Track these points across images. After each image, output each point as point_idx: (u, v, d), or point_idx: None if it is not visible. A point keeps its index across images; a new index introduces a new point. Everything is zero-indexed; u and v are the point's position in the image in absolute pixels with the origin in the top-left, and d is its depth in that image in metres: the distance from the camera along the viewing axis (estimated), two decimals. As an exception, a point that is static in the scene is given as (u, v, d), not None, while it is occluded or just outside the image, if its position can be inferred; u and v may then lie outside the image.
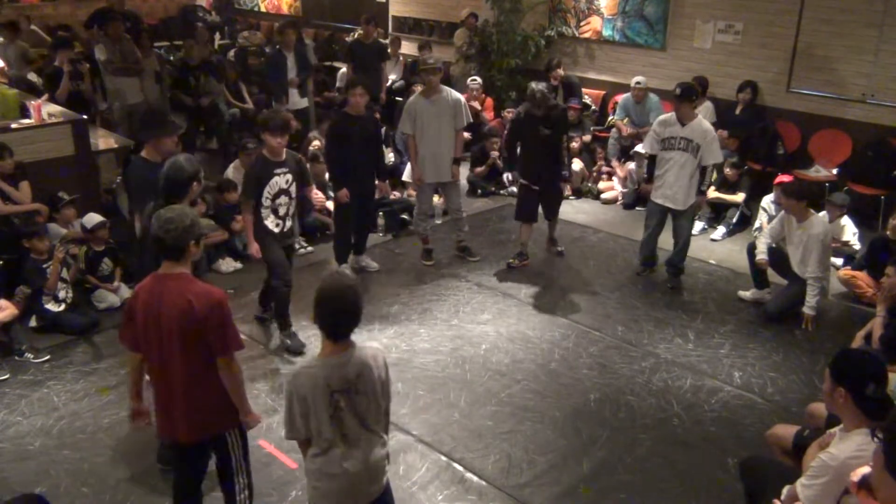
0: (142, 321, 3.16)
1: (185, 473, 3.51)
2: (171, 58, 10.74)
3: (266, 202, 5.16)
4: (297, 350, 5.40)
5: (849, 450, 2.82)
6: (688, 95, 6.03)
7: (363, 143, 6.13)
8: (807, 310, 5.77)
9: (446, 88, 6.62)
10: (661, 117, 6.41)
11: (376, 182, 6.43)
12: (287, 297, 5.37)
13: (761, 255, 5.96)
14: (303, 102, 9.05)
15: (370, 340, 5.51)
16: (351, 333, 2.84)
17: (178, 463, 3.55)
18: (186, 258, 3.16)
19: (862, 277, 6.20)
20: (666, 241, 6.62)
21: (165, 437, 3.38)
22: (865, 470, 2.14)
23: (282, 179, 5.19)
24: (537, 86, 6.37)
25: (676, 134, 6.08)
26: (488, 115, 9.64)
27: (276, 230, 5.26)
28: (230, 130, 9.24)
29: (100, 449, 4.39)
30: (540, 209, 6.80)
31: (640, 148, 8.17)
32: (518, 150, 6.77)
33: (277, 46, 9.18)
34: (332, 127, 6.31)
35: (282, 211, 5.25)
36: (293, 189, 5.28)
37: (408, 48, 11.42)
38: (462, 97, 6.78)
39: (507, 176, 7.35)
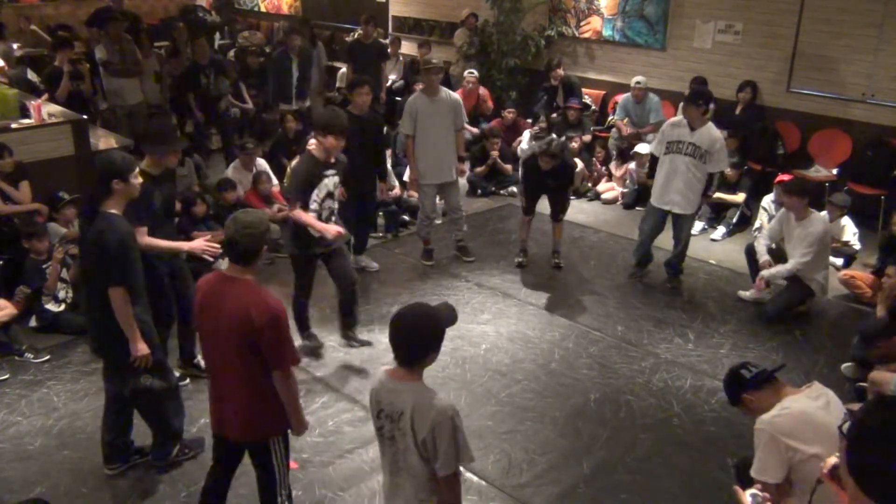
0: (198, 314, 3.22)
1: (219, 473, 3.53)
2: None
3: (314, 205, 4.91)
4: (316, 348, 5.43)
5: (773, 412, 2.93)
6: (693, 100, 5.99)
7: (364, 143, 6.11)
8: (763, 272, 5.82)
9: (444, 89, 6.61)
10: (673, 119, 6.39)
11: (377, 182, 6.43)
12: (302, 308, 5.40)
13: (763, 256, 5.94)
14: (304, 103, 9.05)
15: (382, 347, 5.53)
16: (412, 363, 2.65)
17: (215, 463, 3.55)
18: (255, 264, 3.16)
19: (861, 277, 6.20)
20: (664, 242, 6.61)
21: (217, 431, 3.41)
22: (835, 459, 2.16)
23: (331, 182, 4.98)
24: (556, 142, 6.39)
25: (684, 138, 6.03)
26: (489, 103, 9.70)
27: (317, 236, 4.99)
28: (232, 131, 9.23)
29: (100, 449, 4.36)
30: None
31: (639, 148, 8.17)
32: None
33: (283, 48, 9.17)
34: None
35: (324, 215, 5.01)
36: (337, 192, 5.10)
37: (408, 48, 11.42)
38: (459, 97, 6.78)
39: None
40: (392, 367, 2.74)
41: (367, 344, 5.48)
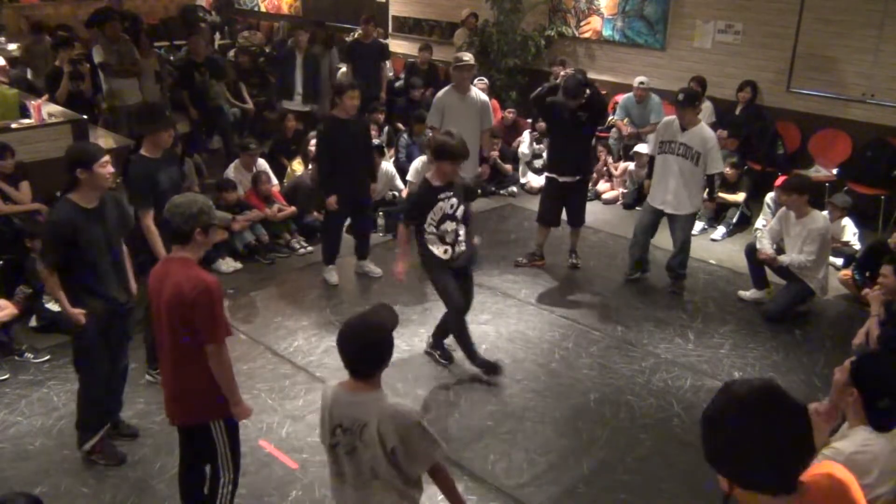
0: (150, 303, 3.31)
1: (182, 459, 3.60)
2: (172, 57, 10.73)
3: (430, 228, 4.82)
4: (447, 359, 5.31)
5: (853, 445, 2.81)
6: (691, 102, 5.94)
7: (355, 147, 6.07)
8: (782, 257, 5.81)
9: (475, 88, 6.61)
10: (666, 119, 6.35)
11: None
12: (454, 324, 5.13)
13: (767, 249, 5.91)
14: (314, 105, 9.06)
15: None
16: (367, 374, 2.69)
17: (180, 449, 3.61)
18: (192, 244, 3.21)
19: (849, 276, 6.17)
20: (665, 244, 6.60)
21: (168, 419, 3.48)
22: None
23: (446, 204, 4.81)
24: (572, 77, 6.28)
25: (675, 139, 5.99)
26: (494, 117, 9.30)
27: (445, 257, 4.89)
28: (232, 130, 9.23)
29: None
30: (564, 215, 6.68)
31: (639, 148, 8.17)
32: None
33: (290, 45, 9.18)
34: (322, 131, 6.19)
35: (449, 238, 4.86)
36: (459, 213, 4.88)
37: (407, 48, 11.43)
38: (488, 99, 6.78)
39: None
40: (346, 380, 2.74)
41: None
